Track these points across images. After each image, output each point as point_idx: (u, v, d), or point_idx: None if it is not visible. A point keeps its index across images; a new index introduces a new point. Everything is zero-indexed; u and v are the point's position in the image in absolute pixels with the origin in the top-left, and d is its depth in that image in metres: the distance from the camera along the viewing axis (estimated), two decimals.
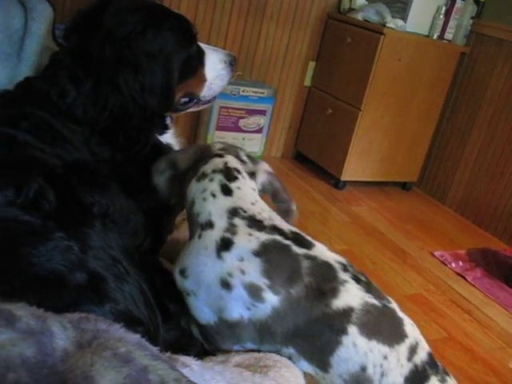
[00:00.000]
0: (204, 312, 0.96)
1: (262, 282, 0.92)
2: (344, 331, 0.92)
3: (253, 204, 1.03)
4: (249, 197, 1.05)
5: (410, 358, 0.94)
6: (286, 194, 1.14)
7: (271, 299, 0.92)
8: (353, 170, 3.14)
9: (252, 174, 1.11)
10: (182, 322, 1.03)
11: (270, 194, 1.13)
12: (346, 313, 0.93)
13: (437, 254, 2.67)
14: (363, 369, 0.92)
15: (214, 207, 0.99)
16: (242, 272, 0.93)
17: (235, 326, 0.94)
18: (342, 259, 1.02)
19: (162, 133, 1.31)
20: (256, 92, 2.98)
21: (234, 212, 0.99)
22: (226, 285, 0.93)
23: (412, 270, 2.48)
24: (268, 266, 0.93)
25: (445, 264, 2.60)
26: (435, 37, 3.03)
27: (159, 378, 0.49)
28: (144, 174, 1.23)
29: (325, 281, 0.95)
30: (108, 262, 0.90)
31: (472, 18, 3.12)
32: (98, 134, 1.18)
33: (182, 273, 0.97)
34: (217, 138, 2.99)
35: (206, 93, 1.36)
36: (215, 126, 2.95)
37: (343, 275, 0.97)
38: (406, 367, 0.94)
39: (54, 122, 1.15)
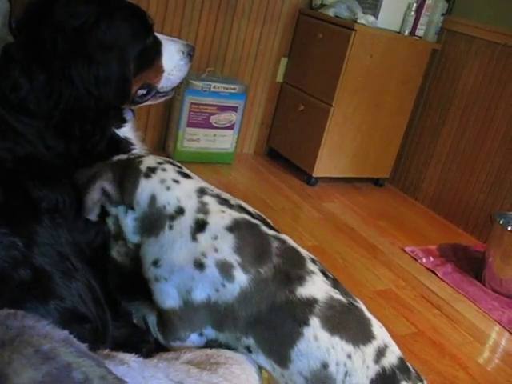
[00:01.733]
0: (171, 296, 0.94)
1: (233, 258, 0.91)
2: (306, 322, 0.90)
3: (211, 185, 1.04)
4: (205, 182, 1.05)
5: (377, 361, 0.92)
6: None
7: (241, 278, 0.91)
8: (325, 166, 3.13)
9: None
10: (135, 316, 1.01)
11: None
12: (310, 303, 0.91)
13: (408, 249, 2.67)
14: (324, 366, 0.90)
15: (181, 191, 0.98)
16: (216, 250, 0.92)
17: (200, 308, 0.93)
18: (313, 256, 1.02)
19: (119, 126, 1.29)
20: (227, 88, 2.96)
21: (202, 191, 0.99)
22: (199, 265, 0.92)
23: (382, 266, 2.48)
24: (240, 242, 0.93)
25: (416, 259, 2.61)
26: (406, 33, 3.04)
27: (83, 375, 0.47)
28: None
29: (293, 266, 0.94)
30: (55, 259, 0.88)
31: (443, 14, 3.13)
32: (52, 128, 1.15)
33: (155, 263, 0.95)
34: (188, 134, 2.96)
35: (164, 84, 1.34)
36: (186, 122, 2.92)
37: (311, 266, 0.97)
38: (373, 369, 0.92)
39: (6, 115, 1.12)
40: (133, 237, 1.01)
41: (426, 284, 2.42)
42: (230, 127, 3.07)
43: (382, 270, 2.44)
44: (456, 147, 3.13)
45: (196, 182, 1.02)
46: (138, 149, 1.34)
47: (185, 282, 0.93)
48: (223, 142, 3.09)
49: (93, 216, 1.01)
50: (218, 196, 1.00)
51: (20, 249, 0.83)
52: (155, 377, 0.65)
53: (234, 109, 3.03)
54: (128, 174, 1.01)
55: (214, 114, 2.98)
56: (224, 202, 1.00)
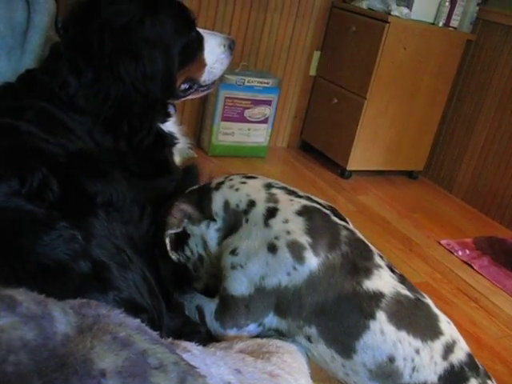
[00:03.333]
0: (243, 283, 0.96)
1: (304, 239, 0.93)
2: (372, 315, 0.91)
3: (278, 182, 1.07)
4: (271, 179, 1.08)
5: (445, 357, 0.93)
6: None
7: (311, 260, 0.93)
8: (359, 159, 3.13)
9: None
10: (187, 308, 1.04)
11: None
12: (377, 297, 0.92)
13: (443, 242, 2.66)
14: (391, 359, 0.91)
15: (250, 188, 1.02)
16: (287, 232, 0.95)
17: (269, 295, 0.95)
18: (380, 252, 1.03)
19: (164, 121, 1.32)
20: (261, 82, 2.97)
21: (268, 185, 1.03)
22: (272, 248, 0.94)
23: (418, 259, 2.47)
24: (311, 224, 0.95)
25: (451, 252, 2.59)
26: (441, 24, 3.01)
27: (158, 361, 0.50)
28: (147, 163, 1.25)
29: (360, 258, 0.96)
30: (111, 251, 0.91)
31: (478, 4, 3.09)
32: (100, 124, 1.19)
33: (233, 252, 0.98)
34: (222, 128, 2.99)
35: (206, 77, 1.37)
36: (220, 116, 2.95)
37: (379, 260, 0.98)
38: (441, 365, 0.92)
39: (57, 112, 1.15)
40: (217, 247, 1.04)
41: (462, 277, 2.41)
42: (264, 121, 3.09)
43: (418, 263, 2.44)
44: (491, 139, 3.09)
45: (262, 180, 1.05)
46: (181, 143, 1.37)
47: (259, 268, 0.95)
48: (257, 135, 3.11)
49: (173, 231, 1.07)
50: (285, 188, 1.04)
51: (79, 242, 0.87)
52: (216, 364, 0.68)
53: (267, 103, 3.05)
54: (202, 194, 1.06)
55: (248, 108, 3.00)
56: (292, 192, 1.03)
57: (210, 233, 1.03)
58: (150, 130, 1.23)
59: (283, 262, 0.94)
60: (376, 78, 2.92)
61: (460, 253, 2.58)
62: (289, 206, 0.98)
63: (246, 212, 0.99)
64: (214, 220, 1.02)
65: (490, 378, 0.97)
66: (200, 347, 0.72)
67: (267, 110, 3.06)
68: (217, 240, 1.03)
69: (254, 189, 1.01)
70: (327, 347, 0.94)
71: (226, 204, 1.02)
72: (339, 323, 0.93)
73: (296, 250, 0.93)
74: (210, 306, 1.01)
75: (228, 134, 3.02)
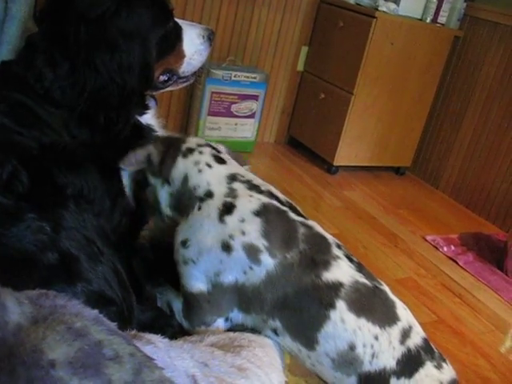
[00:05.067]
0: (199, 279, 0.96)
1: (260, 243, 0.93)
2: (332, 305, 0.92)
3: (245, 172, 1.05)
4: (239, 166, 1.07)
5: (402, 342, 0.94)
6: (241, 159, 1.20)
7: (267, 262, 0.93)
8: (345, 154, 3.13)
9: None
10: (159, 302, 1.03)
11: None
12: (336, 287, 0.93)
13: (429, 238, 2.66)
14: (352, 347, 0.92)
15: (212, 176, 1.01)
16: (243, 233, 0.94)
17: (228, 291, 0.94)
18: (338, 241, 1.03)
19: (141, 113, 1.30)
20: (248, 77, 2.96)
21: (232, 177, 1.01)
22: (226, 247, 0.94)
23: (403, 254, 2.48)
24: (267, 226, 0.95)
25: (437, 248, 2.59)
26: (428, 20, 3.01)
27: (114, 352, 0.49)
28: (121, 155, 1.23)
29: (318, 252, 0.96)
30: (81, 243, 0.90)
31: (465, 1, 3.09)
32: (77, 116, 1.17)
33: (184, 243, 0.97)
34: (209, 123, 2.98)
35: (185, 69, 1.35)
36: (207, 111, 2.94)
37: (337, 251, 0.98)
38: (399, 350, 0.94)
39: (32, 104, 1.14)
40: (166, 210, 1.04)
41: (447, 273, 2.41)
42: (251, 116, 3.08)
43: (403, 259, 2.44)
44: (478, 135, 3.10)
45: (228, 168, 1.04)
46: (160, 135, 1.36)
47: (213, 265, 0.94)
48: (244, 130, 3.10)
49: (127, 169, 1.06)
50: (248, 182, 1.02)
51: (48, 233, 0.86)
52: (181, 357, 0.67)
53: (254, 98, 3.03)
54: (170, 151, 1.05)
55: (234, 102, 2.99)
56: (254, 187, 1.02)
57: (162, 193, 1.03)
58: (127, 122, 1.22)
59: (239, 261, 0.94)
60: (363, 74, 2.92)
61: (445, 248, 2.59)
62: (247, 203, 0.97)
63: (202, 200, 0.98)
64: (169, 184, 1.02)
65: (444, 361, 0.98)
66: (165, 340, 0.71)
67: (254, 105, 3.05)
68: (167, 202, 1.02)
69: (216, 178, 1.00)
70: (292, 340, 0.95)
71: (185, 179, 1.01)
72: (301, 316, 0.94)
73: (252, 253, 0.93)
74: (176, 304, 1.01)
75: (215, 128, 3.01)
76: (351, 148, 3.12)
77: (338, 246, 1.00)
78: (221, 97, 2.93)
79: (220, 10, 2.91)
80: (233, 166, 1.04)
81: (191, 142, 1.07)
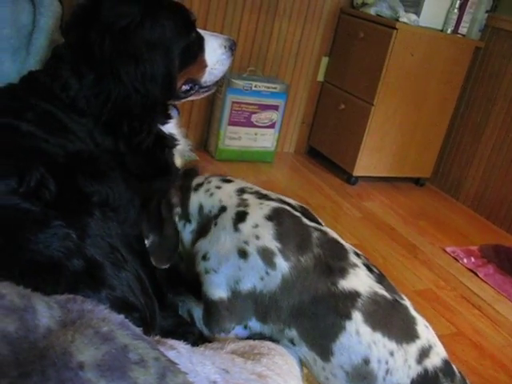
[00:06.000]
0: (220, 287, 0.97)
1: (273, 245, 0.94)
2: (348, 316, 0.91)
3: (253, 185, 1.07)
4: (245, 182, 1.08)
5: (419, 361, 0.92)
6: None
7: (282, 265, 0.93)
8: (365, 165, 3.12)
9: None
10: (180, 310, 1.05)
11: None
12: (352, 296, 0.92)
13: (448, 249, 2.65)
14: (366, 361, 0.90)
15: (223, 194, 1.03)
16: (257, 237, 0.95)
17: (247, 298, 0.95)
18: (357, 250, 1.03)
19: (164, 122, 1.33)
20: (268, 87, 2.98)
21: (241, 190, 1.03)
22: (243, 253, 0.95)
23: (423, 266, 2.46)
24: (279, 228, 0.95)
25: (456, 260, 2.58)
26: (449, 31, 3.00)
27: (139, 356, 0.51)
28: (147, 164, 1.26)
29: (334, 258, 0.95)
30: (106, 250, 0.92)
31: (487, 11, 3.08)
32: (101, 125, 1.20)
33: (204, 257, 0.99)
34: (229, 133, 3.00)
35: (207, 78, 1.38)
36: (227, 121, 2.96)
37: (354, 259, 0.97)
38: (414, 369, 0.91)
39: (58, 113, 1.17)
40: (189, 247, 1.06)
41: (466, 285, 2.39)
42: (271, 126, 3.10)
43: (422, 270, 2.42)
44: (499, 147, 3.08)
45: (236, 184, 1.06)
46: (181, 144, 1.38)
47: (232, 273, 0.96)
48: (264, 140, 3.12)
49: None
50: (257, 192, 1.04)
51: (73, 240, 0.88)
52: (202, 363, 0.68)
53: (275, 108, 3.05)
54: (183, 192, 1.08)
55: (255, 112, 3.01)
56: (263, 196, 1.03)
57: (185, 233, 1.05)
58: (150, 131, 1.24)
59: (255, 267, 0.95)
60: (383, 85, 2.92)
61: (465, 260, 2.57)
62: (258, 209, 0.98)
63: (216, 216, 1.00)
64: (190, 221, 1.04)
65: None
66: (187, 346, 0.73)
67: (274, 115, 3.07)
68: (190, 241, 1.04)
69: (227, 194, 1.03)
70: (309, 349, 0.95)
71: (201, 208, 1.04)
72: (316, 325, 0.93)
73: (266, 256, 0.94)
74: (197, 312, 1.02)
75: (235, 138, 3.03)
76: (371, 159, 3.12)
77: (357, 254, 1.00)
78: (241, 106, 2.96)
79: (241, 20, 2.95)
80: (240, 183, 1.07)
81: (198, 178, 1.11)
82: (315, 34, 3.17)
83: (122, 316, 0.57)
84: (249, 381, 0.73)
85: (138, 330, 0.56)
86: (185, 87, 1.38)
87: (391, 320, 0.94)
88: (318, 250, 0.96)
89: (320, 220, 1.08)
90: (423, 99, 3.09)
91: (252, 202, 1.00)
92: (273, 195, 1.05)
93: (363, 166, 3.12)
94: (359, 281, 0.95)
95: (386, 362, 0.91)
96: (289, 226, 0.98)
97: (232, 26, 2.93)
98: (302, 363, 0.98)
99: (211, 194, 1.03)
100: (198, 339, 0.98)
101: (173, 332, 0.96)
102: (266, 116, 3.05)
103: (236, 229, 0.97)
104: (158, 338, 0.71)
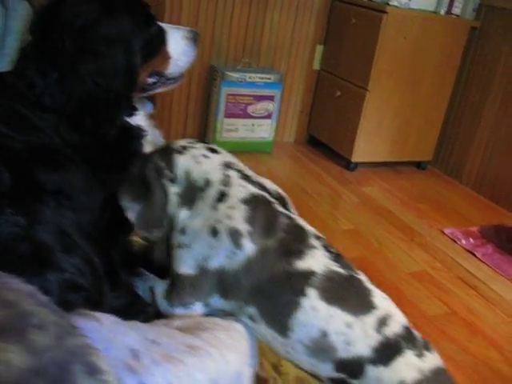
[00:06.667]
0: (188, 263, 1.00)
1: (243, 227, 0.97)
2: (303, 292, 0.94)
3: (238, 161, 1.10)
4: (231, 156, 1.11)
5: (378, 330, 0.94)
6: None
7: (248, 247, 0.96)
8: (364, 150, 3.13)
9: None
10: (141, 288, 1.08)
11: None
12: (307, 275, 0.95)
13: (447, 231, 2.64)
14: (324, 334, 0.93)
15: (210, 165, 1.05)
16: (229, 218, 0.98)
17: (212, 276, 0.99)
18: (319, 233, 1.05)
19: (131, 114, 1.36)
20: (263, 78, 3.01)
21: (227, 165, 1.05)
22: (214, 232, 0.98)
23: (419, 248, 2.46)
24: (252, 213, 0.98)
25: (455, 241, 2.57)
26: (442, 12, 2.99)
27: (39, 320, 0.55)
28: (111, 155, 1.30)
29: (295, 241, 0.98)
30: (56, 235, 0.96)
31: None
32: (66, 121, 1.24)
33: (182, 231, 1.02)
34: (226, 125, 3.04)
35: (172, 70, 1.41)
36: (224, 113, 3.00)
37: (314, 241, 1.00)
38: (375, 338, 0.94)
39: (25, 111, 1.21)
40: (175, 210, 1.07)
41: (463, 265, 2.39)
42: (268, 116, 3.12)
43: (418, 252, 2.43)
44: (498, 126, 3.05)
45: (223, 157, 1.08)
46: (150, 135, 1.42)
47: (203, 250, 0.99)
48: (261, 131, 3.14)
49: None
50: (241, 171, 1.06)
51: (22, 226, 0.92)
52: (126, 333, 0.71)
53: (270, 98, 3.08)
54: (166, 154, 1.09)
55: (250, 104, 3.04)
56: (246, 177, 1.05)
57: (171, 194, 1.06)
58: (113, 124, 1.28)
59: (223, 246, 0.97)
60: (376, 69, 2.92)
61: (463, 241, 2.56)
62: (238, 192, 1.01)
63: (202, 190, 1.03)
64: (175, 183, 1.05)
65: (428, 350, 0.98)
66: (114, 318, 0.76)
67: (270, 106, 3.09)
68: (174, 204, 1.05)
69: (214, 167, 1.04)
70: (268, 327, 0.97)
71: (188, 173, 1.05)
72: (274, 302, 0.96)
73: (235, 237, 0.97)
74: (160, 286, 1.05)
75: (232, 130, 3.07)
76: (369, 144, 3.12)
77: (317, 237, 1.03)
78: (236, 98, 2.99)
79: (232, 13, 2.97)
80: (226, 156, 1.09)
81: (178, 142, 1.12)
82: (308, 22, 3.18)
83: (32, 287, 0.61)
84: (178, 351, 0.76)
85: (46, 299, 0.60)
86: (151, 80, 1.42)
87: (347, 294, 0.96)
88: (283, 234, 0.99)
89: (292, 210, 1.11)
90: (419, 82, 3.07)
91: (234, 181, 1.02)
92: (254, 178, 1.08)
93: (362, 152, 3.12)
94: (315, 260, 0.97)
95: (345, 334, 0.93)
96: (261, 211, 1.01)
97: (224, 18, 2.96)
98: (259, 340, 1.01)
99: (198, 162, 1.05)
100: (151, 317, 1.01)
101: (126, 311, 0.99)
102: (261, 107, 3.07)
103: (214, 207, 1.00)
104: (84, 309, 0.75)
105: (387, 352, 0.94)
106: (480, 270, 2.38)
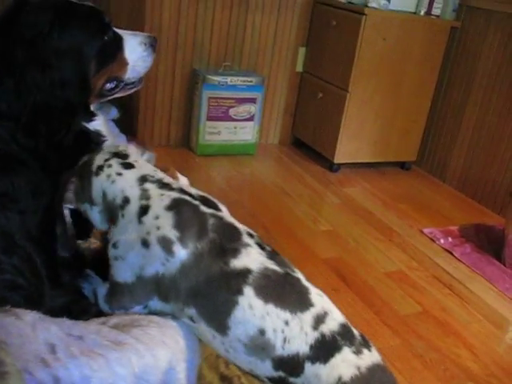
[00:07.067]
0: (126, 272, 1.03)
1: (172, 234, 0.99)
2: (240, 291, 0.96)
3: (155, 171, 1.11)
4: (148, 166, 1.13)
5: (315, 327, 0.96)
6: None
7: (180, 253, 0.98)
8: (346, 152, 3.14)
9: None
10: (86, 290, 1.11)
11: None
12: (243, 274, 0.96)
13: (426, 231, 2.65)
14: (262, 332, 0.95)
15: (124, 182, 1.07)
16: (157, 228, 1.00)
17: (149, 283, 1.01)
18: (251, 231, 1.07)
19: (89, 120, 1.38)
20: (244, 81, 3.03)
21: (142, 179, 1.07)
22: (145, 243, 1.00)
23: (396, 248, 2.48)
24: (179, 218, 1.00)
25: (433, 241, 2.58)
26: (422, 13, 3.00)
27: None
28: (67, 160, 1.32)
29: (228, 240, 1.00)
30: None
31: None
32: (22, 128, 1.27)
33: (114, 245, 1.05)
34: (209, 127, 3.06)
35: (130, 75, 1.43)
36: (206, 116, 3.02)
37: (247, 239, 1.02)
38: (311, 335, 0.95)
39: None
40: (102, 226, 1.11)
41: (440, 265, 2.40)
42: (250, 119, 3.14)
43: (395, 252, 2.44)
44: (480, 124, 3.06)
45: (137, 171, 1.10)
46: (109, 140, 1.44)
47: (137, 261, 1.01)
48: (244, 133, 3.17)
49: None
50: (158, 181, 1.08)
51: None
52: (47, 329, 0.73)
53: (252, 100, 3.10)
54: (84, 175, 1.12)
55: (232, 106, 3.06)
56: (164, 186, 1.07)
57: (93, 213, 1.09)
58: (69, 129, 1.30)
59: (156, 255, 1.00)
60: (357, 71, 2.93)
61: (442, 241, 2.57)
62: (159, 201, 1.03)
63: (122, 207, 1.05)
64: (95, 204, 1.09)
65: (367, 347, 0.99)
66: (38, 315, 0.78)
67: (252, 108, 3.11)
68: (100, 220, 1.09)
69: (129, 183, 1.07)
70: (207, 326, 0.99)
71: (104, 195, 1.08)
72: (212, 302, 0.98)
73: (166, 245, 0.99)
74: (101, 290, 1.08)
75: (214, 133, 3.09)
76: (351, 145, 3.13)
77: (250, 235, 1.04)
78: (218, 102, 3.01)
79: (214, 16, 3.00)
80: (141, 169, 1.11)
81: (98, 159, 1.14)
82: (290, 25, 3.20)
83: None
84: (101, 346, 0.78)
85: None
86: (109, 85, 1.44)
87: (283, 292, 0.98)
88: (213, 234, 1.00)
89: (220, 206, 1.12)
90: (400, 83, 3.09)
91: (153, 192, 1.05)
92: (174, 185, 1.10)
93: (344, 153, 3.14)
94: (250, 259, 0.99)
95: (282, 331, 0.95)
96: (187, 215, 1.02)
97: (204, 23, 2.99)
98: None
99: (113, 182, 1.08)
100: (93, 316, 1.03)
101: (67, 311, 1.02)
102: (243, 109, 3.09)
103: (140, 221, 1.02)
104: (9, 307, 0.77)
105: (324, 349, 0.95)
106: (457, 269, 2.39)
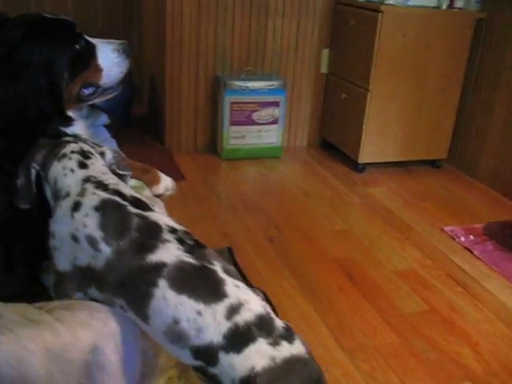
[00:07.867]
0: (64, 262, 1.12)
1: (97, 233, 1.06)
2: (155, 284, 1.02)
3: (103, 174, 1.19)
4: (100, 169, 1.21)
5: (229, 317, 0.99)
6: (125, 163, 1.30)
7: (105, 250, 1.06)
8: (371, 151, 3.11)
9: (102, 154, 1.27)
10: (45, 280, 1.19)
11: (116, 166, 1.27)
12: (158, 267, 1.02)
13: (447, 229, 2.58)
14: (176, 321, 1.00)
15: (73, 180, 1.16)
16: (85, 226, 1.08)
17: (84, 272, 1.09)
18: (178, 226, 1.12)
19: (66, 125, 1.48)
20: (266, 85, 3.07)
21: (86, 179, 1.15)
22: (75, 238, 1.08)
23: (412, 246, 2.43)
24: (103, 219, 1.07)
25: (453, 239, 2.51)
26: (444, 7, 2.93)
27: None
28: None
29: (148, 238, 1.06)
30: None
31: None
32: None
33: (52, 235, 1.14)
34: (233, 132, 3.12)
35: (106, 80, 1.50)
36: (229, 121, 3.09)
37: (167, 236, 1.07)
38: (224, 325, 0.99)
39: None
40: (51, 201, 1.21)
41: (457, 263, 2.33)
42: (274, 122, 3.18)
43: (410, 250, 2.40)
44: (511, 119, 2.93)
45: (86, 172, 1.18)
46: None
47: (71, 252, 1.10)
48: (269, 136, 3.20)
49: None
50: (98, 182, 1.15)
51: None
52: None
53: (275, 104, 3.14)
54: (50, 155, 1.21)
55: (255, 110, 3.11)
56: (101, 186, 1.14)
57: (47, 191, 1.18)
58: (43, 136, 1.40)
59: (86, 249, 1.07)
60: (376, 69, 2.91)
61: (462, 238, 2.50)
62: (90, 200, 1.10)
63: (63, 199, 1.13)
64: (47, 181, 1.18)
65: (287, 339, 0.99)
66: None
67: (276, 111, 3.15)
68: (49, 196, 1.18)
69: (75, 181, 1.15)
70: (135, 315, 1.05)
71: (55, 181, 1.16)
72: (134, 294, 1.04)
73: (92, 242, 1.06)
74: (50, 279, 1.16)
75: (239, 137, 3.15)
76: (375, 144, 3.10)
77: (172, 231, 1.09)
78: (240, 106, 3.07)
79: (234, 22, 3.06)
80: (92, 170, 1.18)
81: (69, 147, 1.22)
82: (312, 27, 3.22)
83: None
84: (15, 323, 0.86)
85: None
86: (87, 91, 1.52)
87: (197, 283, 1.02)
88: (136, 233, 1.07)
89: (155, 207, 1.18)
90: (424, 79, 3.02)
91: (88, 192, 1.13)
92: (111, 185, 1.16)
93: (368, 153, 3.11)
94: (167, 253, 1.04)
95: (195, 321, 0.99)
96: (112, 215, 1.10)
97: (225, 29, 3.06)
98: None
99: (65, 175, 1.16)
100: None
101: (18, 299, 1.10)
102: (266, 113, 3.13)
103: (71, 216, 1.11)
104: None
105: (238, 339, 0.98)
106: (474, 267, 2.31)
